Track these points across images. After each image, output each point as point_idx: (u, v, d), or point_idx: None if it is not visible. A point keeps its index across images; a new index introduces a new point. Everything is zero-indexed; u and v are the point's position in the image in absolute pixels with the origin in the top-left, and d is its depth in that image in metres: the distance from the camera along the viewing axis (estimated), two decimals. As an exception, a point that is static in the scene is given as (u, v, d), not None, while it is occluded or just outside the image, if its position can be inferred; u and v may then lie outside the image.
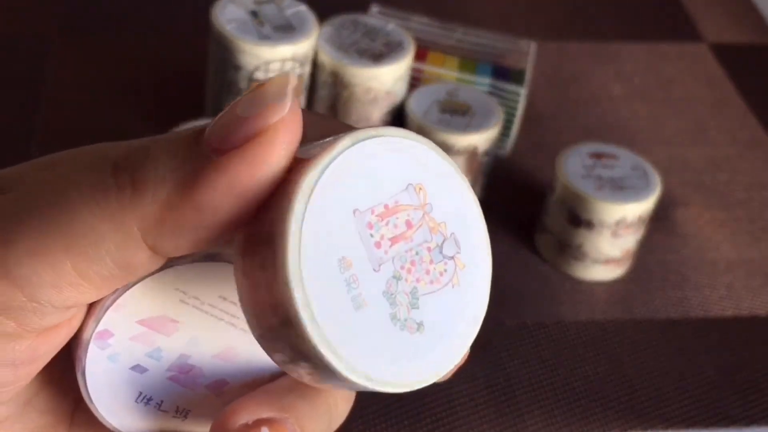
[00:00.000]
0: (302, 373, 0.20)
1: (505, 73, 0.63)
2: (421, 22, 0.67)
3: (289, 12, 0.58)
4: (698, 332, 0.54)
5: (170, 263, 0.22)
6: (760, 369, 0.52)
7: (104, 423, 0.24)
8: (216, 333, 0.24)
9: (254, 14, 0.58)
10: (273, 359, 0.21)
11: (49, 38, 0.68)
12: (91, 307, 0.22)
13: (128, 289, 0.22)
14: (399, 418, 0.47)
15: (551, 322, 0.53)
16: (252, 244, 0.20)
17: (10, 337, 0.20)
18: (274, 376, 0.25)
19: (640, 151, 0.64)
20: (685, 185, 0.63)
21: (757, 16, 0.81)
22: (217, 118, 0.20)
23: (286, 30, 0.57)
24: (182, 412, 0.25)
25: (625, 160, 0.55)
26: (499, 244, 0.57)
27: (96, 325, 0.22)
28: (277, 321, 0.19)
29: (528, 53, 0.65)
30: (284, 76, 0.20)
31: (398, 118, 0.60)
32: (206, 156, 0.19)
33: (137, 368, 0.24)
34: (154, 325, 0.23)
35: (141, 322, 0.23)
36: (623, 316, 0.54)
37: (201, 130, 0.20)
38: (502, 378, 0.49)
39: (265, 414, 0.22)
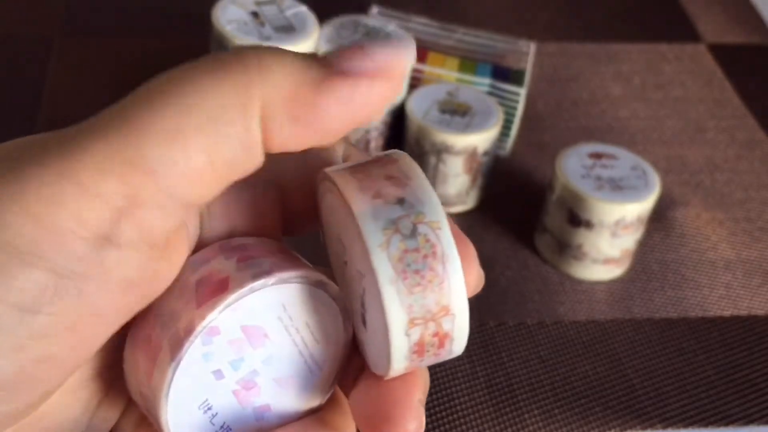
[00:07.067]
0: None
1: (505, 74, 0.63)
2: (421, 22, 0.67)
3: (289, 13, 0.59)
4: (697, 332, 0.54)
5: (292, 278, 0.23)
6: (758, 368, 0.52)
7: (161, 421, 0.23)
8: (287, 357, 0.25)
9: (255, 15, 0.58)
10: None
11: (51, 39, 0.68)
12: (199, 302, 0.22)
13: (249, 293, 0.23)
14: (399, 417, 0.47)
15: (551, 322, 0.53)
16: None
17: (127, 246, 0.20)
18: (308, 412, 0.26)
19: (639, 151, 0.65)
20: (684, 185, 0.63)
21: (756, 16, 0.81)
22: (337, 49, 0.22)
23: (287, 30, 0.57)
24: (225, 429, 0.25)
25: (624, 160, 0.56)
26: (499, 244, 0.57)
27: (210, 321, 0.22)
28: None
29: (528, 53, 0.65)
30: (407, 38, 0.22)
31: (398, 118, 0.60)
32: (330, 68, 0.21)
33: (217, 373, 0.23)
34: (250, 334, 0.23)
35: (243, 328, 0.23)
36: (622, 315, 0.54)
37: (311, 52, 0.22)
38: (502, 378, 0.50)
39: None
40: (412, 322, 0.22)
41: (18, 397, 0.21)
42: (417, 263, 0.21)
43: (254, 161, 0.21)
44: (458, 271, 0.22)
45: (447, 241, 0.22)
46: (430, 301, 0.22)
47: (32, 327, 0.20)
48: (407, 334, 0.22)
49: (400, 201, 0.22)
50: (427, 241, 0.22)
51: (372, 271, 0.21)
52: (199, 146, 0.20)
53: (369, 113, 0.22)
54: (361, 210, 0.22)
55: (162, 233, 0.21)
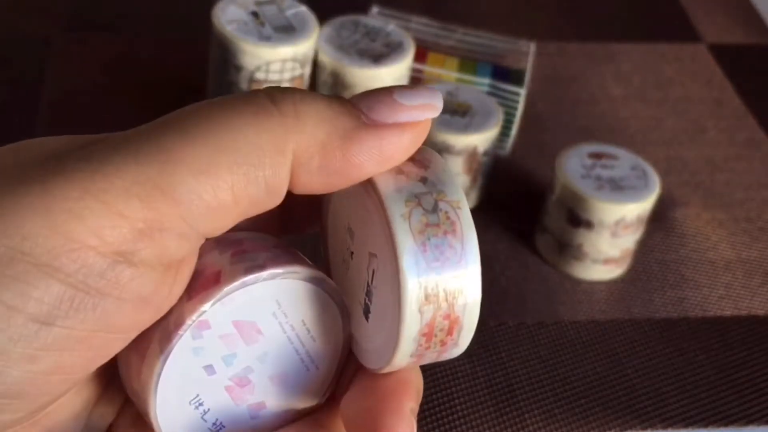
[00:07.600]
0: None
1: (505, 74, 0.63)
2: (421, 22, 0.67)
3: (289, 12, 0.59)
4: (697, 332, 0.54)
5: (286, 273, 0.23)
6: (758, 368, 0.52)
7: (150, 415, 0.23)
8: (282, 355, 0.24)
9: (255, 15, 0.58)
10: None
11: (50, 39, 0.68)
12: (190, 296, 0.22)
13: (241, 287, 0.22)
14: (399, 417, 0.47)
15: (551, 322, 0.53)
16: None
17: (143, 265, 0.20)
18: (301, 413, 0.25)
19: (639, 151, 0.65)
20: (684, 185, 0.63)
21: (756, 16, 0.81)
22: (367, 94, 0.23)
23: (287, 30, 0.57)
24: (218, 426, 0.24)
25: (624, 160, 0.56)
26: (499, 244, 0.57)
27: (200, 314, 0.22)
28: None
29: (528, 53, 0.65)
30: (434, 88, 0.23)
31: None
32: (359, 118, 0.22)
33: (209, 369, 0.23)
34: (243, 330, 0.23)
35: (235, 323, 0.23)
36: (622, 315, 0.54)
37: (341, 96, 0.23)
38: (502, 378, 0.50)
39: None
40: (427, 299, 0.21)
41: (23, 406, 0.21)
42: (437, 238, 0.21)
43: (275, 202, 0.22)
44: (476, 253, 0.22)
45: (466, 221, 0.22)
46: (447, 279, 0.21)
47: (46, 339, 0.20)
48: (420, 311, 0.21)
49: (423, 179, 0.22)
50: (448, 218, 0.22)
51: (391, 242, 0.21)
52: (228, 185, 0.21)
53: (395, 160, 0.22)
54: (384, 183, 0.22)
55: (177, 257, 0.21)
